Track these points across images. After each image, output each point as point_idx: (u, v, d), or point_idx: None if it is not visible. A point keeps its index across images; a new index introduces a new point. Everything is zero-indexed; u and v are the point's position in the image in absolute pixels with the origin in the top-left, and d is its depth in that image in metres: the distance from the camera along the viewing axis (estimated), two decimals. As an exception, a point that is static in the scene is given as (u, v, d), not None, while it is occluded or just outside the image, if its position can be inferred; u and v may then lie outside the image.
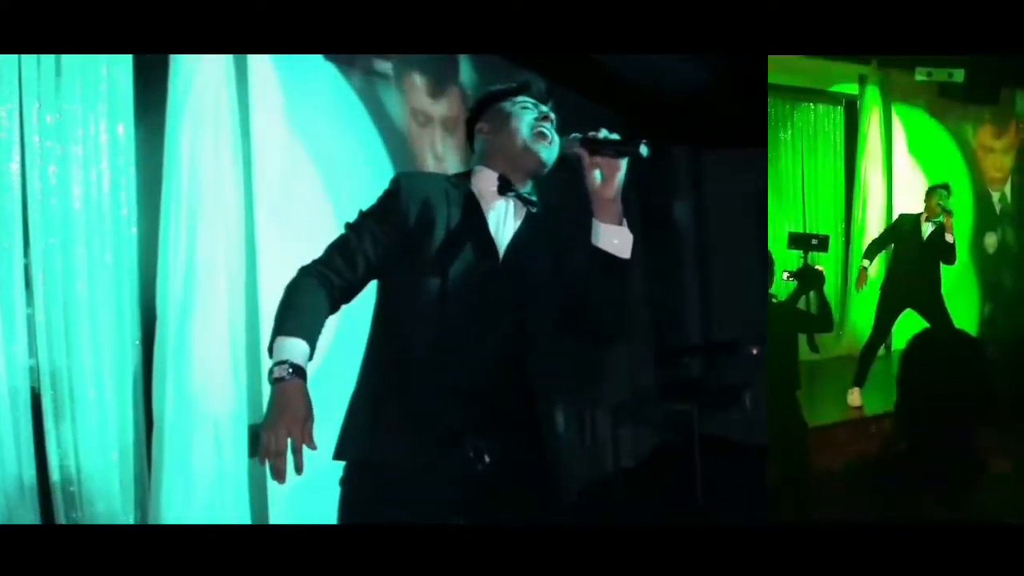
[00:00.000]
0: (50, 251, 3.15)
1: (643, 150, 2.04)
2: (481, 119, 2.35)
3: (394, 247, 2.15)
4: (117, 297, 3.32)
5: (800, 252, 3.99)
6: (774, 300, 3.51)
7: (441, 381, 2.06)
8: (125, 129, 3.33)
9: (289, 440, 1.81)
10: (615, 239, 2.13)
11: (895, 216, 5.33)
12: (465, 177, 2.30)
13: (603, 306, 2.18)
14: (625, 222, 2.15)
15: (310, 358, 2.00)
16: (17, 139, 3.07)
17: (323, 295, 2.11)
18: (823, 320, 3.74)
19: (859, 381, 4.74)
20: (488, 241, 2.17)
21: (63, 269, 3.18)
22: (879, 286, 4.96)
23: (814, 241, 4.09)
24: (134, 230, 3.36)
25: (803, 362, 3.79)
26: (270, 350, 2.00)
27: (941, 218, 4.80)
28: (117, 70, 3.32)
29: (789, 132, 5.70)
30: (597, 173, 2.10)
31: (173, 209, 3.31)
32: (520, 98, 2.32)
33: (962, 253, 5.76)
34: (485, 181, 2.26)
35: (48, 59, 3.14)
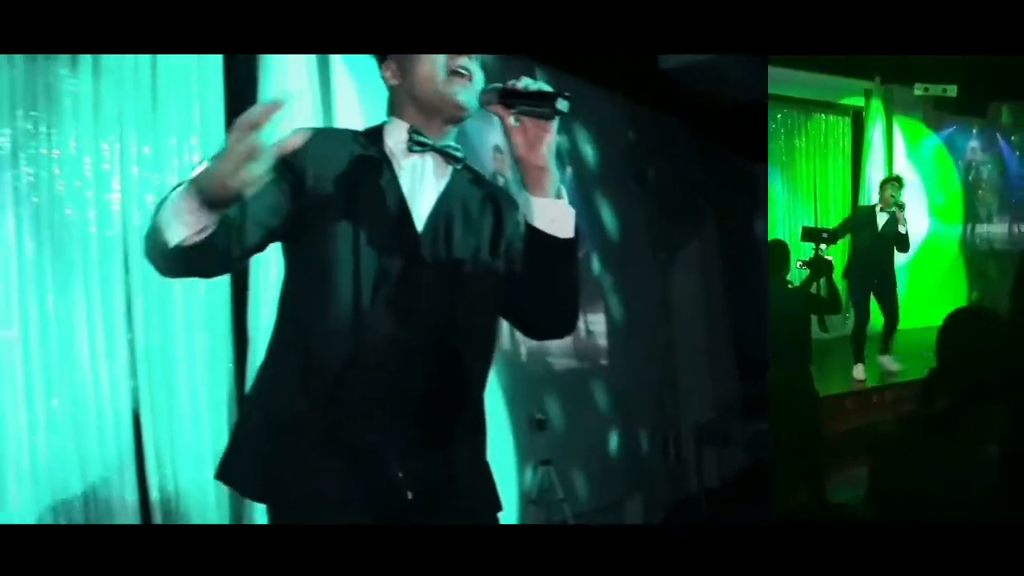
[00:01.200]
0: (148, 278, 3.27)
1: (561, 104, 1.69)
2: (384, 63, 1.88)
3: (285, 213, 1.71)
4: (210, 321, 3.42)
5: (812, 244, 4.37)
6: (790, 286, 3.95)
7: (357, 392, 1.73)
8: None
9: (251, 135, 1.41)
10: (551, 215, 1.76)
11: None
12: (376, 134, 1.87)
13: (548, 298, 1.83)
14: (564, 193, 1.79)
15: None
16: (118, 170, 3.21)
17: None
18: (832, 303, 4.21)
19: (859, 358, 5.27)
20: (404, 211, 1.80)
21: (160, 295, 3.29)
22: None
23: (824, 235, 4.47)
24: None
25: (815, 340, 4.19)
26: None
27: (894, 209, 5.22)
28: (208, 103, 3.44)
29: (803, 140, 6.45)
30: (519, 132, 1.73)
31: (263, 234, 3.39)
32: None
33: (952, 246, 6.74)
34: (396, 136, 1.84)
35: (145, 92, 3.28)
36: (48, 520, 2.98)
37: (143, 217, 3.25)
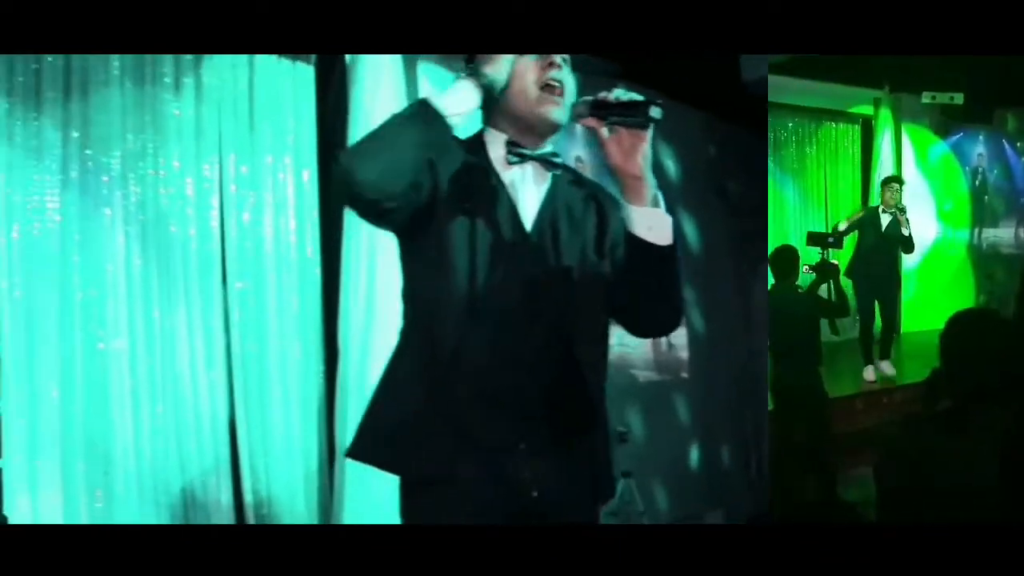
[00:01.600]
0: (245, 290, 3.44)
1: (655, 112, 1.70)
2: (475, 65, 1.82)
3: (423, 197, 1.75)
4: (302, 330, 3.58)
5: (818, 249, 4.46)
6: (799, 291, 4.00)
7: (480, 387, 1.77)
8: (309, 176, 3.60)
9: None
10: (648, 223, 1.77)
11: None
12: (477, 142, 1.90)
13: (652, 300, 1.86)
14: (661, 200, 1.79)
15: None
16: (217, 189, 3.39)
17: None
18: (840, 307, 4.30)
19: (868, 360, 5.31)
20: (514, 215, 1.84)
21: (255, 306, 3.46)
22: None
23: (830, 239, 4.59)
24: (318, 270, 3.61)
25: (825, 343, 4.26)
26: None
27: (895, 211, 5.25)
28: (302, 121, 3.61)
29: (814, 147, 6.60)
30: (614, 143, 1.75)
31: (353, 248, 3.54)
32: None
33: (960, 250, 6.92)
34: (495, 148, 1.87)
35: (243, 114, 3.46)
36: (151, 518, 3.17)
37: (240, 233, 3.43)
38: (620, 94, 1.73)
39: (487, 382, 1.77)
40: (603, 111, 1.74)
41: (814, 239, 4.62)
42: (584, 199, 1.92)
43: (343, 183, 1.64)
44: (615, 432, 4.82)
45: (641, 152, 1.73)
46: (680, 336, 5.75)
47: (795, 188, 6.47)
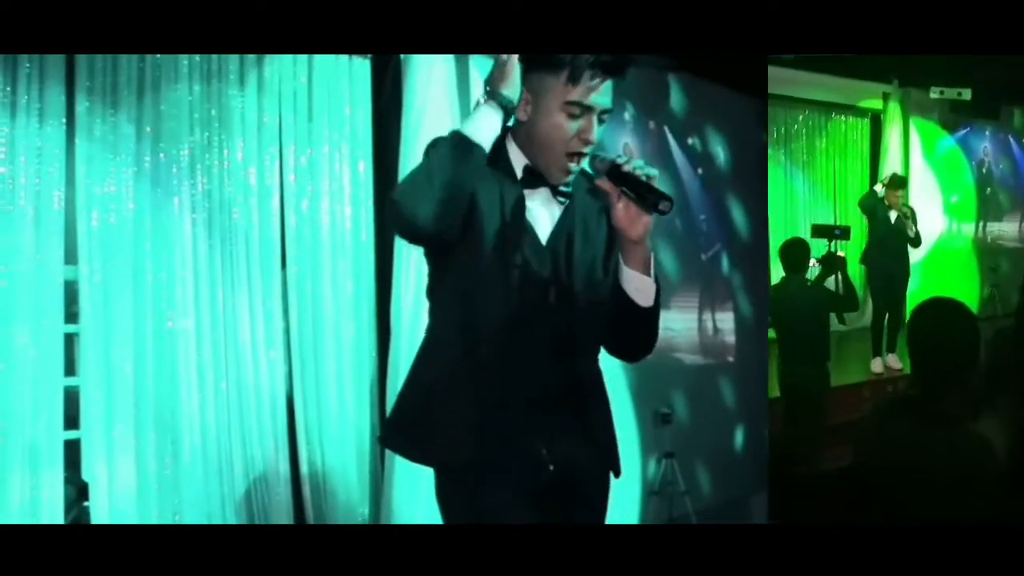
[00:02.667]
0: (303, 274, 3.65)
1: (663, 205, 1.80)
2: (527, 85, 1.92)
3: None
4: (356, 312, 3.78)
5: (825, 240, 4.50)
6: (808, 283, 4.04)
7: (501, 382, 1.92)
8: (365, 167, 3.78)
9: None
10: (636, 285, 1.91)
11: None
12: (500, 154, 1.98)
13: (624, 341, 2.05)
14: (653, 268, 1.93)
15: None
16: (278, 179, 3.60)
17: None
18: (849, 301, 4.26)
19: (877, 351, 5.50)
20: (530, 228, 1.96)
21: (312, 289, 3.67)
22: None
23: (837, 231, 4.61)
24: (371, 256, 3.81)
25: (832, 332, 4.37)
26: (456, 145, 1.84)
27: (905, 210, 5.40)
28: (358, 114, 3.79)
29: (824, 140, 6.84)
30: (622, 207, 1.86)
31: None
32: (578, 85, 1.89)
33: (966, 242, 7.21)
34: (514, 161, 1.98)
35: (302, 106, 3.65)
36: (214, 485, 3.40)
37: (299, 221, 3.63)
38: (639, 165, 1.84)
39: (501, 377, 1.92)
40: (618, 180, 1.84)
41: (820, 231, 4.71)
42: (599, 210, 2.00)
43: (403, 222, 1.81)
44: (657, 413, 4.96)
45: (644, 222, 1.86)
46: (727, 321, 5.83)
47: (804, 180, 6.72)
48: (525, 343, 1.93)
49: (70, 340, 3.24)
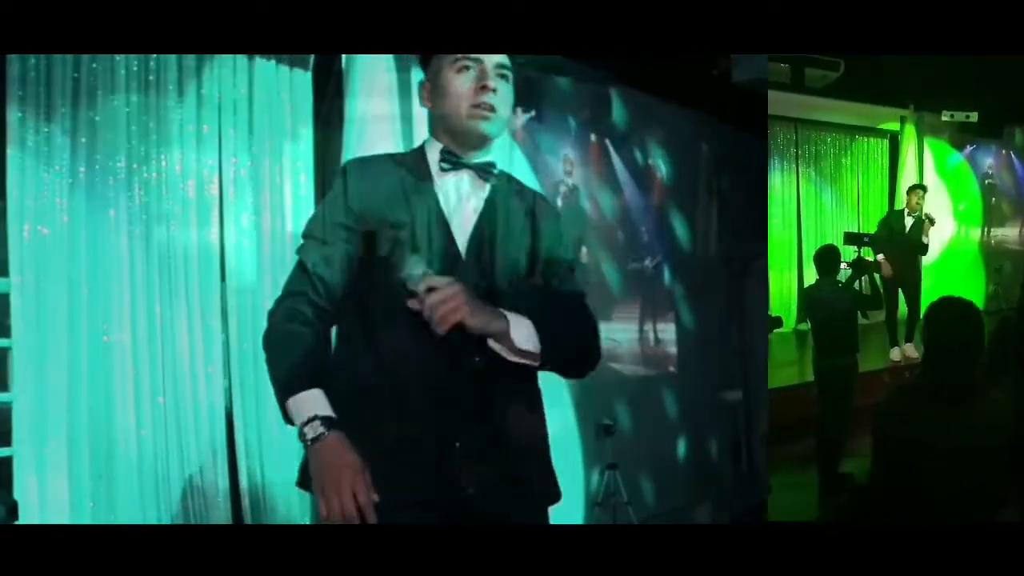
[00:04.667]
0: (241, 287, 3.62)
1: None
2: (422, 85, 1.97)
3: (355, 249, 1.86)
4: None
5: (854, 247, 4.92)
6: (839, 284, 4.39)
7: (410, 398, 1.82)
8: (306, 179, 3.79)
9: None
10: (517, 344, 1.81)
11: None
12: (419, 153, 1.97)
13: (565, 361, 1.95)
14: (507, 318, 1.79)
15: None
16: (217, 190, 3.59)
17: (311, 335, 1.85)
18: (875, 300, 4.67)
19: (894, 342, 6.01)
20: (445, 229, 1.88)
21: (252, 302, 3.63)
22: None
23: (865, 239, 5.06)
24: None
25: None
26: (285, 413, 1.81)
27: (920, 214, 5.90)
28: (299, 125, 3.78)
29: (849, 158, 7.77)
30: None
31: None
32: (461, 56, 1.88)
33: (973, 246, 8.03)
34: (432, 155, 1.94)
35: (242, 119, 3.63)
36: (151, 502, 3.35)
37: (238, 233, 3.61)
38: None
39: (419, 390, 1.81)
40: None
41: (851, 238, 5.09)
42: (524, 212, 1.96)
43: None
44: (600, 425, 5.00)
45: (460, 312, 1.71)
46: (669, 332, 5.91)
47: (832, 193, 7.56)
48: (448, 351, 1.78)
49: (2, 354, 3.17)
